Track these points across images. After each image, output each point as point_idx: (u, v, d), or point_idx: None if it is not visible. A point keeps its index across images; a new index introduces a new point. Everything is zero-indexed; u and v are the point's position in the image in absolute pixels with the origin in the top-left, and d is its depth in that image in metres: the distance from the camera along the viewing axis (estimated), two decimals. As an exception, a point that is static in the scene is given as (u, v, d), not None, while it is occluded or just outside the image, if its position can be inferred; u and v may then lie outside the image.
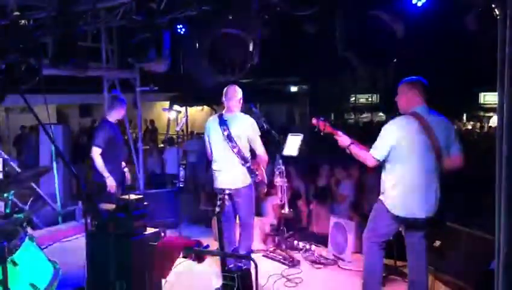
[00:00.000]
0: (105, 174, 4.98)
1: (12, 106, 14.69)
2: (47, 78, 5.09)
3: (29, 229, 3.33)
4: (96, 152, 4.97)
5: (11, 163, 4.33)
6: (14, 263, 2.69)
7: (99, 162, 4.98)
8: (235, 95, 4.52)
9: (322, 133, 4.04)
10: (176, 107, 6.98)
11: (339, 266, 4.90)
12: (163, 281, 3.78)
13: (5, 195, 3.34)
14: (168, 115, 15.18)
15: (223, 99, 4.56)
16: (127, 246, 3.64)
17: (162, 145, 14.08)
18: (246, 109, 4.66)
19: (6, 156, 4.62)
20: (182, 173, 6.26)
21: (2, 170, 4.52)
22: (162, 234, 3.92)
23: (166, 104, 13.12)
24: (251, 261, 3.30)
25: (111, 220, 3.64)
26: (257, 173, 4.50)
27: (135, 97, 7.04)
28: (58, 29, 3.57)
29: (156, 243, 3.57)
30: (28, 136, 12.01)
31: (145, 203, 3.86)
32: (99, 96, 7.50)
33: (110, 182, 4.98)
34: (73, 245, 5.74)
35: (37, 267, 2.90)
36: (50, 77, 5.52)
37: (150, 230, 3.80)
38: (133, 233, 3.69)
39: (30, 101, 2.80)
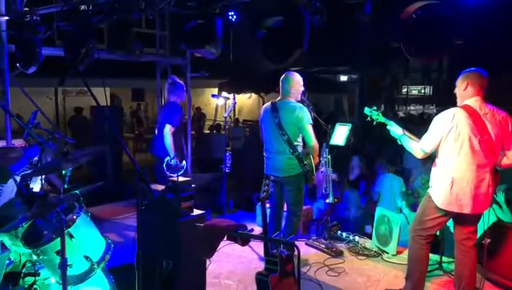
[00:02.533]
0: (172, 153, 5.09)
1: (70, 89, 15.36)
2: (102, 62, 5.30)
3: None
4: (169, 130, 5.19)
5: (69, 141, 4.56)
6: (71, 236, 2.86)
7: (169, 139, 5.18)
8: (291, 82, 4.52)
9: (374, 123, 4.07)
10: (225, 93, 7.08)
11: (382, 259, 4.86)
12: (207, 261, 3.88)
13: (64, 172, 3.55)
14: (217, 101, 15.37)
15: (279, 86, 4.59)
16: (174, 226, 3.77)
17: (208, 131, 14.32)
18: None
19: (64, 136, 4.87)
20: (228, 158, 6.37)
21: (57, 148, 4.79)
22: (208, 217, 4.03)
23: (215, 90, 13.29)
24: (294, 248, 3.34)
25: (161, 200, 3.78)
26: (305, 162, 4.50)
27: (186, 83, 7.18)
28: (115, 15, 3.71)
29: (201, 225, 3.67)
30: (81, 117, 12.51)
31: (192, 185, 3.98)
32: (151, 82, 7.73)
33: (173, 162, 5.02)
34: (123, 223, 6.02)
35: (91, 241, 3.07)
36: (105, 61, 5.76)
37: (196, 212, 3.92)
38: (180, 214, 3.82)
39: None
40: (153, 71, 7.52)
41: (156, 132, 5.63)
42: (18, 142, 5.97)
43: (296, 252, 3.22)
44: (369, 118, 4.10)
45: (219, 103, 14.47)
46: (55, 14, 4.83)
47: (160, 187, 3.92)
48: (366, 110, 4.14)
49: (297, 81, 4.53)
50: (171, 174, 3.71)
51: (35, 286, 2.83)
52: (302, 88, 4.61)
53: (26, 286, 2.85)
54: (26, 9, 4.86)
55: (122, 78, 13.22)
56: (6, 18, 5.14)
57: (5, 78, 5.44)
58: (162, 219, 3.75)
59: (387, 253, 4.92)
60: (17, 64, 4.98)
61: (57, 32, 5.58)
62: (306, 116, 4.47)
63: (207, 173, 7.33)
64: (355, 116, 14.72)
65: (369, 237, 5.31)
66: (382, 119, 4.01)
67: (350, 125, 5.11)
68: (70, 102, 15.03)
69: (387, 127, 3.90)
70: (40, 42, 4.76)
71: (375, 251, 5.00)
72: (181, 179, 3.95)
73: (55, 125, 6.13)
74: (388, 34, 4.23)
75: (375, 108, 4.09)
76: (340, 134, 5.05)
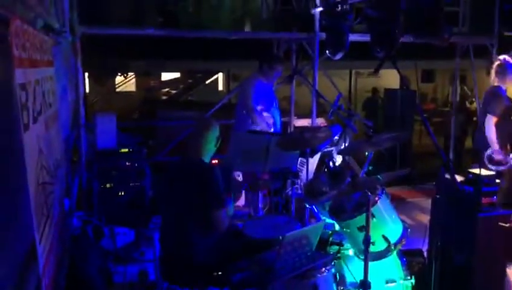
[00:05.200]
0: (493, 145, 4.51)
1: (362, 71, 16.05)
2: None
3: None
4: (491, 121, 4.64)
5: (368, 124, 4.81)
6: (372, 215, 3.04)
7: (491, 131, 4.60)
8: None
9: None
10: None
11: None
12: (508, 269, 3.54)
13: (366, 154, 3.79)
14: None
15: None
16: (473, 221, 3.57)
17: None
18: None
19: (363, 119, 5.17)
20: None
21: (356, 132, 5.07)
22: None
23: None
24: None
25: (458, 191, 3.62)
26: None
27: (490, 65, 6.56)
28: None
29: (507, 225, 3.36)
30: (376, 99, 12.76)
31: (497, 181, 3.67)
32: (444, 62, 7.33)
33: (497, 155, 4.49)
34: (413, 206, 6.08)
35: (390, 223, 3.20)
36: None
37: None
38: (481, 209, 3.58)
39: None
40: (447, 51, 7.09)
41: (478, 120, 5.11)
42: (320, 121, 6.67)
43: None
44: None
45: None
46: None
47: (460, 178, 3.75)
48: None
49: None
50: (492, 168, 3.46)
51: (338, 255, 3.15)
52: None
53: (331, 253, 3.20)
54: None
55: (412, 59, 13.04)
56: (321, 9, 5.72)
57: (315, 63, 6.12)
58: (460, 212, 3.61)
59: None
60: (326, 51, 5.49)
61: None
62: None
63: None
64: None
65: None
66: None
67: None
68: (361, 83, 15.74)
69: None
70: (348, 30, 5.13)
71: None
72: (484, 172, 3.69)
73: (353, 109, 6.51)
74: None
75: None
76: None
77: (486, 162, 3.46)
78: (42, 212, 1.98)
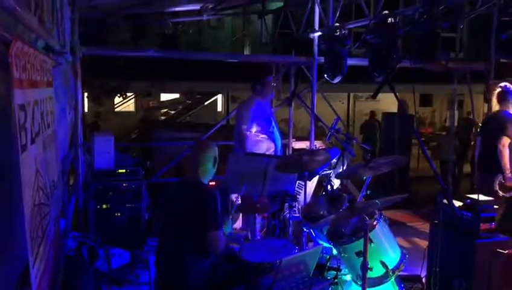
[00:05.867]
0: (506, 170, 4.49)
1: (361, 94, 16.18)
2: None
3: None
4: (505, 142, 4.59)
5: (366, 148, 4.80)
6: (370, 240, 3.02)
7: (504, 153, 4.54)
8: None
9: None
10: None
11: None
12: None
13: (364, 178, 3.77)
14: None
15: None
16: (471, 246, 3.55)
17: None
18: None
19: (361, 142, 5.17)
20: None
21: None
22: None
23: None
24: None
25: (457, 217, 3.61)
26: None
27: (486, 90, 6.61)
28: (425, 26, 3.71)
29: (505, 252, 3.33)
30: (373, 122, 12.80)
31: (495, 206, 3.66)
32: (441, 87, 7.38)
33: (509, 181, 4.49)
34: (410, 230, 6.05)
35: (388, 248, 3.17)
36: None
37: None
38: (479, 235, 3.56)
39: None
40: (445, 76, 7.17)
41: (481, 144, 5.09)
42: (318, 144, 6.67)
43: None
44: None
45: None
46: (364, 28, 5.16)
47: (458, 203, 3.74)
48: None
49: None
50: (504, 194, 3.46)
51: (336, 280, 3.12)
52: None
53: (329, 278, 3.16)
54: (337, 24, 5.34)
55: (409, 83, 13.12)
56: (319, 34, 5.79)
57: (313, 86, 6.15)
58: (458, 237, 3.59)
59: None
60: (325, 75, 5.53)
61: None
62: None
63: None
64: None
65: None
66: None
67: None
68: (360, 106, 15.84)
69: None
70: (346, 54, 5.17)
71: None
72: (482, 197, 3.69)
73: (350, 133, 6.51)
74: None
75: None
76: None
77: (497, 188, 3.44)
78: (37, 234, 1.96)
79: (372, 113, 12.86)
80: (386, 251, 3.15)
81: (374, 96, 3.03)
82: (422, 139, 15.09)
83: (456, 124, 8.53)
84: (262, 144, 5.01)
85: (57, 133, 3.26)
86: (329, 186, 3.87)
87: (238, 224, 5.73)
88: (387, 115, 9.84)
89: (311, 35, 6.01)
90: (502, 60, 6.17)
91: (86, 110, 14.12)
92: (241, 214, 5.58)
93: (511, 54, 3.67)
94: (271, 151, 5.08)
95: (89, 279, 3.64)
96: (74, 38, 4.91)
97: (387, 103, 14.02)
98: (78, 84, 5.10)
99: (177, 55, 7.16)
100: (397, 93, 3.16)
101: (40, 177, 2.16)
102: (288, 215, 4.02)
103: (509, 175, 4.48)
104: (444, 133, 12.52)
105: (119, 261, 4.56)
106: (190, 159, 3.33)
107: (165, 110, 17.63)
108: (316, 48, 6.01)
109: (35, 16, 2.32)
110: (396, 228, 6.06)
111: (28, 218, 1.75)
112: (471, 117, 14.82)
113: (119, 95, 13.98)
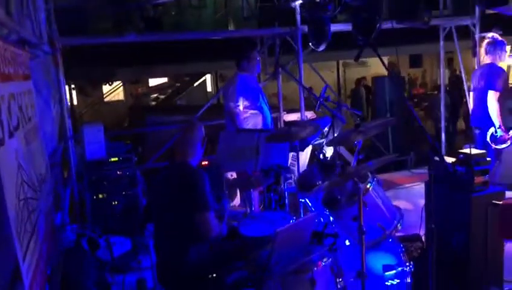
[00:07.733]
0: (497, 123, 4.54)
1: (349, 61, 16.05)
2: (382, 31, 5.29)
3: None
4: (493, 96, 4.63)
5: (356, 113, 4.78)
6: (365, 203, 3.02)
7: (493, 106, 4.60)
8: None
9: None
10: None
11: None
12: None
13: (355, 143, 3.75)
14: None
15: None
16: (466, 200, 3.55)
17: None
18: None
19: (350, 108, 5.15)
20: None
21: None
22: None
23: None
24: None
25: (451, 173, 3.61)
26: None
27: (474, 45, 6.55)
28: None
29: (500, 203, 3.34)
30: (358, 90, 12.82)
31: (487, 159, 3.66)
32: (430, 46, 7.30)
33: (499, 133, 4.55)
34: (409, 191, 6.06)
35: (383, 209, 3.17)
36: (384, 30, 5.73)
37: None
38: (474, 189, 3.56)
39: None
40: (432, 35, 7.08)
41: (472, 98, 5.13)
42: (309, 114, 6.64)
43: None
44: None
45: None
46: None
47: (451, 159, 3.74)
48: None
49: None
50: (496, 146, 3.44)
51: (334, 246, 3.12)
52: None
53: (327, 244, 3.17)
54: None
55: (399, 45, 13.03)
56: (300, 1, 5.69)
57: (299, 57, 6.09)
58: (453, 193, 3.59)
59: None
60: (310, 44, 5.46)
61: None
62: None
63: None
64: None
65: None
66: None
67: None
68: (350, 74, 15.74)
69: None
70: (329, 20, 5.10)
71: None
72: (474, 151, 3.68)
73: (340, 100, 6.48)
74: None
75: None
76: None
77: (490, 140, 3.42)
78: (25, 228, 1.94)
79: (359, 81, 12.86)
80: (382, 213, 3.15)
81: (355, 59, 2.98)
82: (415, 100, 15.11)
83: (447, 82, 8.47)
84: (251, 119, 4.97)
85: (41, 126, 3.22)
86: (321, 155, 3.85)
87: (237, 201, 5.75)
88: (377, 79, 9.77)
89: (293, 4, 5.91)
90: (486, 12, 6.12)
91: (75, 102, 14.00)
92: (238, 191, 5.59)
93: (492, 3, 3.61)
94: (260, 126, 5.05)
95: (90, 270, 3.65)
96: (51, 29, 4.81)
97: (378, 67, 13.95)
98: (61, 76, 5.02)
99: (159, 37, 7.05)
100: (387, 57, 3.12)
101: (23, 171, 2.13)
102: (284, 187, 4.02)
103: (501, 128, 4.48)
104: (435, 92, 12.51)
105: (121, 249, 4.57)
106: (178, 142, 3.30)
107: (155, 95, 17.49)
108: (298, 17, 5.92)
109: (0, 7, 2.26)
110: (396, 190, 6.11)
111: (13, 213, 1.73)
112: (459, 74, 14.77)
113: (105, 83, 13.84)
